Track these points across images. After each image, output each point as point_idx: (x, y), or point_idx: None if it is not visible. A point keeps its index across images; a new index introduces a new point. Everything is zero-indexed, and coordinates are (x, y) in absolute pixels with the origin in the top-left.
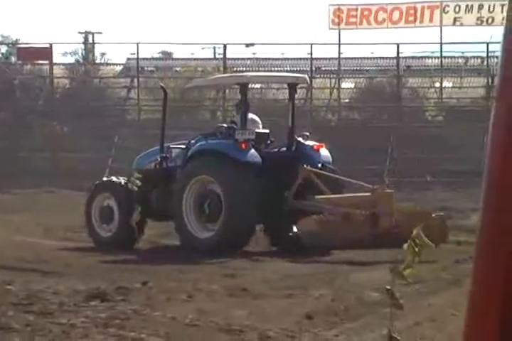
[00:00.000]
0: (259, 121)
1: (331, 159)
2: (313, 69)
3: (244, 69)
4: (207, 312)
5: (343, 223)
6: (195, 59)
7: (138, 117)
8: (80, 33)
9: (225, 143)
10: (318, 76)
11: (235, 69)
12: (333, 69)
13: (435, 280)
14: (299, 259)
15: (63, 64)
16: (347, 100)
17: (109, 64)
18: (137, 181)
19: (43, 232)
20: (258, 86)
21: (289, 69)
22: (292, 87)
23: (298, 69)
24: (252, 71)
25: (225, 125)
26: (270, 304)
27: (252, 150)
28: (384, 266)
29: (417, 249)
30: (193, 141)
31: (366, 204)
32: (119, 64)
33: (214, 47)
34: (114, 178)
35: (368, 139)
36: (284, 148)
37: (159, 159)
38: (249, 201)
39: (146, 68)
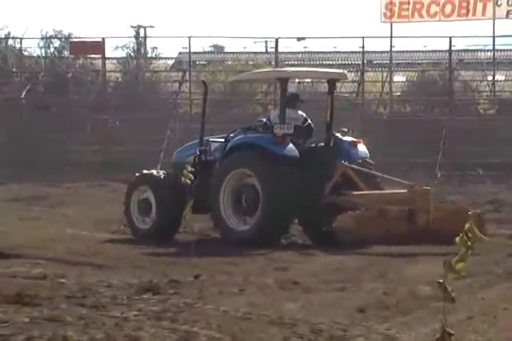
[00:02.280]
0: (301, 116)
1: (368, 155)
2: (365, 62)
3: (295, 63)
4: (259, 305)
5: (379, 219)
6: (246, 53)
7: (189, 111)
8: (131, 27)
9: (263, 137)
10: (370, 69)
11: (286, 63)
12: (384, 62)
13: (487, 274)
14: (350, 252)
15: (115, 58)
16: (398, 93)
17: (161, 58)
18: (190, 174)
19: (95, 225)
20: (309, 80)
21: (340, 62)
22: (332, 82)
23: (349, 62)
24: (304, 65)
25: (263, 119)
26: (322, 297)
27: (290, 145)
28: (436, 260)
29: (469, 243)
30: (232, 135)
31: (403, 200)
32: (171, 58)
33: (266, 41)
34: (153, 171)
35: (419, 133)
36: (322, 144)
37: (198, 152)
38: (286, 195)
39: (197, 62)
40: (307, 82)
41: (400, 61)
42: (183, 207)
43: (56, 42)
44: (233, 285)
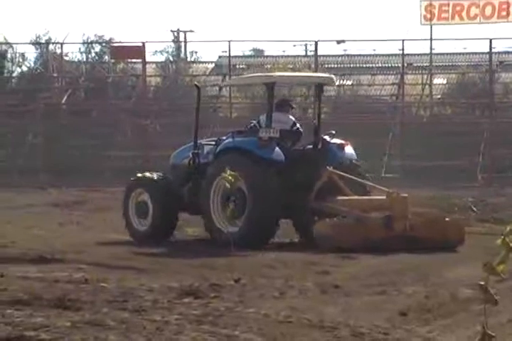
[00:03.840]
0: (290, 120)
1: (355, 156)
2: (405, 65)
3: (335, 66)
4: (299, 308)
5: (356, 226)
6: (286, 56)
7: (229, 115)
8: (171, 31)
9: (249, 141)
10: (410, 72)
11: (326, 66)
12: (424, 65)
13: None
14: (390, 256)
15: (155, 62)
16: (439, 96)
17: (201, 62)
18: (230, 177)
19: None
20: (349, 82)
21: (380, 65)
22: (319, 87)
23: (389, 65)
24: (344, 68)
25: (254, 122)
26: (362, 301)
27: (275, 148)
28: (477, 262)
29: (511, 245)
30: (223, 138)
31: (382, 207)
32: (211, 62)
33: (305, 44)
34: (147, 174)
35: (459, 135)
36: (311, 146)
37: (191, 155)
38: (271, 197)
39: (237, 66)
40: (347, 85)
41: (440, 63)
42: (178, 208)
43: (97, 47)
44: (274, 288)
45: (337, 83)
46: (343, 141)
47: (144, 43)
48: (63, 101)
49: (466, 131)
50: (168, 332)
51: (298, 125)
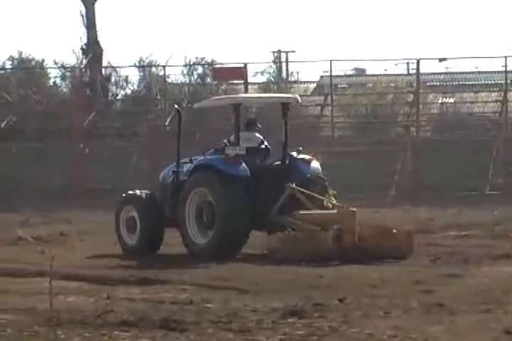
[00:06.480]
0: (258, 138)
1: (320, 170)
2: (508, 81)
3: (437, 83)
4: (404, 328)
5: (306, 239)
6: (388, 75)
7: (332, 134)
8: (272, 52)
9: (216, 159)
10: None
11: (428, 84)
12: None
13: None
14: (495, 274)
15: (256, 83)
16: None
17: (302, 82)
18: (332, 198)
19: None
20: (452, 100)
21: (482, 82)
22: (285, 106)
23: (492, 82)
24: (446, 85)
25: (225, 141)
26: (467, 320)
27: (242, 165)
28: None
29: None
30: (197, 157)
31: (332, 220)
32: (312, 81)
33: (407, 63)
34: (137, 191)
35: None
36: (278, 162)
37: (172, 173)
38: (236, 211)
39: (339, 85)
40: (450, 103)
41: None
42: (163, 223)
43: (199, 69)
44: (378, 308)
45: (440, 101)
46: (309, 156)
47: (245, 64)
48: (167, 123)
49: None
50: None
51: (266, 143)
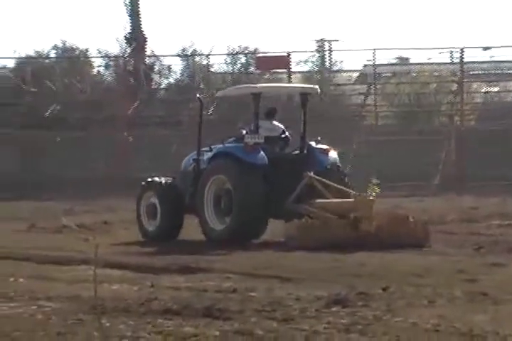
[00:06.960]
0: (279, 128)
1: (338, 160)
2: None
3: (480, 72)
4: (448, 317)
5: (322, 227)
6: (431, 63)
7: (375, 123)
8: (316, 41)
9: (236, 147)
10: None
11: (471, 72)
12: None
13: None
14: None
15: (300, 72)
16: None
17: (345, 71)
18: (376, 187)
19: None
20: (496, 89)
21: None
22: (304, 96)
23: None
24: (490, 74)
25: (245, 130)
26: (511, 309)
27: (260, 153)
28: None
29: None
30: (220, 145)
31: (349, 209)
32: (356, 70)
33: (451, 51)
34: (157, 179)
35: None
36: (297, 152)
37: (193, 162)
38: (254, 198)
39: (382, 74)
40: (494, 92)
41: None
42: (183, 210)
43: (242, 58)
44: (422, 297)
45: (483, 90)
46: (327, 146)
47: (289, 53)
48: (210, 112)
49: None
50: None
51: (287, 133)
